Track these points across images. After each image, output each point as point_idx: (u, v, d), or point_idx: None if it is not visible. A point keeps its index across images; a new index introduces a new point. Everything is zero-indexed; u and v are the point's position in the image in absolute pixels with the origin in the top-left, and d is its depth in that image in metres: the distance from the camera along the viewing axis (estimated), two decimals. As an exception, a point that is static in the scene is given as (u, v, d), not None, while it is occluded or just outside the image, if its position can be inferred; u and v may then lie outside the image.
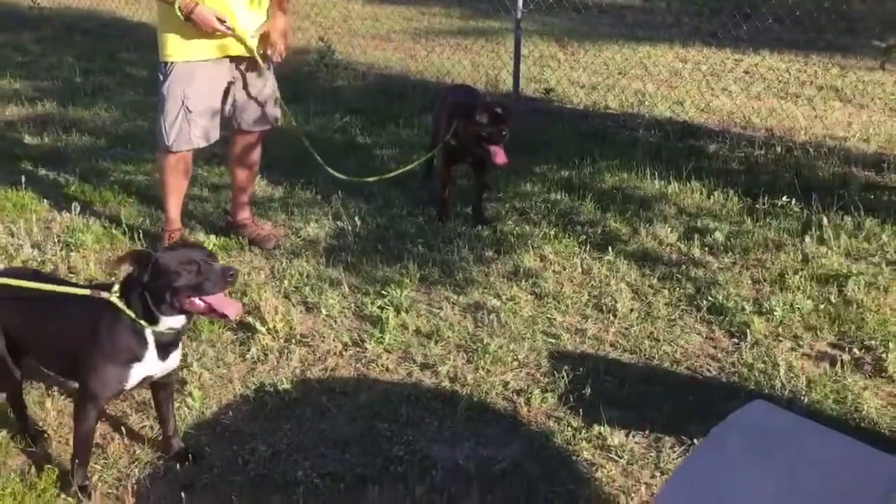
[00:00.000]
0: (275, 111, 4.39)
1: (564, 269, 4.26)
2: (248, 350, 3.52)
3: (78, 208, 4.71)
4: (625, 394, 3.27)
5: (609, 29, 10.39)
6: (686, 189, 5.28)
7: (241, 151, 4.42)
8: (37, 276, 2.92)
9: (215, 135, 4.25)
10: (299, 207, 4.95)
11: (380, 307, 3.82)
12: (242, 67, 4.18)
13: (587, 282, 4.15)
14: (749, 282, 4.13)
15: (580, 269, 4.25)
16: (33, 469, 2.77)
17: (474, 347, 3.55)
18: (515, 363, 3.47)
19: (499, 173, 5.45)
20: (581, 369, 3.38)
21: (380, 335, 3.60)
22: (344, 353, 3.54)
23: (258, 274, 4.16)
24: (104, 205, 4.93)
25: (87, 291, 2.59)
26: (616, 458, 2.89)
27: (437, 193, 4.93)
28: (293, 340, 3.59)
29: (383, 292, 3.93)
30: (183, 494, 2.63)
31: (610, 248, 4.40)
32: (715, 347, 3.61)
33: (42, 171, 5.42)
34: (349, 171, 5.48)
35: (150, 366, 2.58)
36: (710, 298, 3.92)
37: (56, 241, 4.39)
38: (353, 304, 3.89)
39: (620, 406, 3.19)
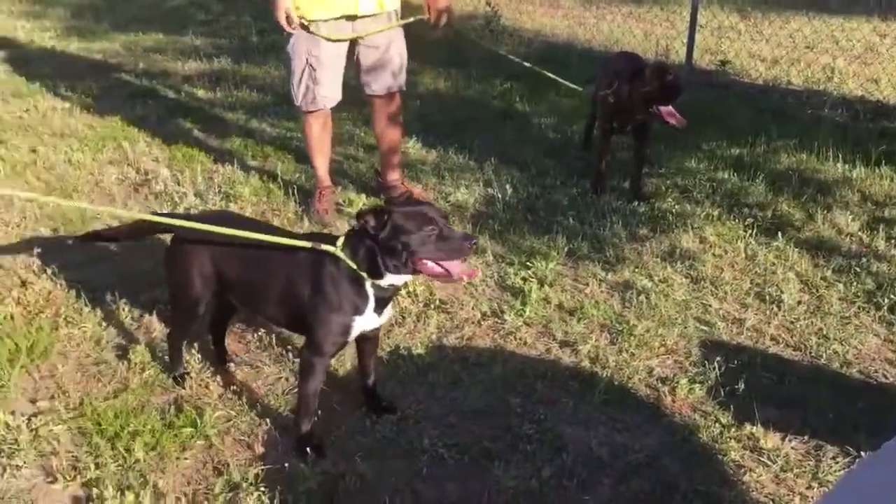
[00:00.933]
0: (400, 76, 4.29)
1: (726, 252, 3.94)
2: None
3: (239, 162, 4.85)
4: (784, 392, 2.97)
5: (798, -1, 9.62)
6: (874, 175, 4.77)
7: (378, 114, 4.37)
8: (252, 223, 2.92)
9: (339, 95, 4.22)
10: (451, 172, 4.86)
11: (523, 279, 3.68)
12: (363, 26, 4.11)
13: (750, 268, 3.82)
14: (941, 282, 3.67)
15: (744, 255, 3.92)
16: (173, 409, 2.84)
17: (619, 328, 3.34)
18: (663, 349, 3.23)
19: (662, 148, 5.15)
20: (735, 361, 3.11)
21: (521, 307, 3.46)
22: (482, 322, 3.42)
23: (404, 236, 4.10)
24: (265, 159, 5.05)
25: (308, 244, 2.53)
26: (768, 462, 2.62)
27: (593, 164, 4.69)
28: (432, 305, 3.51)
29: (528, 263, 3.78)
30: (309, 450, 2.61)
31: (780, 234, 4.03)
32: (895, 352, 3.22)
33: (211, 124, 5.62)
34: (507, 138, 5.38)
35: (369, 320, 2.55)
36: (893, 296, 3.51)
37: (217, 190, 4.53)
38: (496, 273, 3.77)
39: (778, 405, 2.89)
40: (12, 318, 3.32)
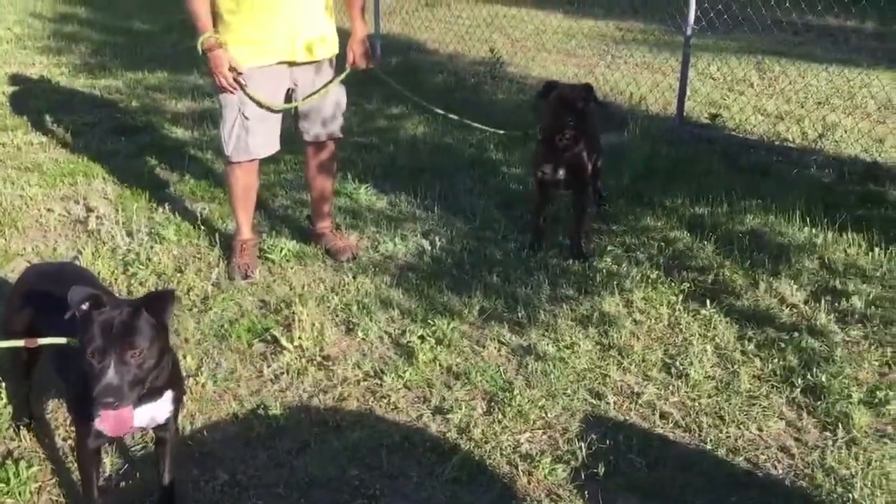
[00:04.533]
0: (332, 124, 4.16)
1: (648, 318, 3.69)
2: (269, 366, 3.33)
3: (183, 203, 4.81)
4: (652, 480, 2.70)
5: (822, 52, 9.28)
6: (841, 241, 4.44)
7: (310, 161, 4.26)
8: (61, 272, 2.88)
9: (275, 145, 4.08)
10: (393, 221, 4.71)
11: (420, 337, 3.50)
12: (302, 73, 4.00)
13: (668, 338, 3.56)
14: (874, 364, 3.35)
15: (665, 322, 3.66)
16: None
17: (501, 397, 3.12)
18: (540, 422, 3.00)
19: (622, 203, 4.92)
20: (609, 441, 2.86)
21: (405, 369, 3.28)
22: (361, 382, 3.25)
23: (317, 286, 3.97)
24: (211, 201, 4.99)
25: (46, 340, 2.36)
26: (605, 559, 2.38)
27: (531, 218, 4.49)
28: (314, 362, 3.35)
29: (429, 322, 3.60)
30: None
31: (710, 302, 3.76)
32: (796, 439, 2.93)
33: (176, 163, 5.59)
34: (464, 186, 5.22)
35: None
36: (812, 377, 3.21)
37: (147, 232, 4.46)
38: (395, 331, 3.59)
39: (642, 494, 2.64)
40: None
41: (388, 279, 4.04)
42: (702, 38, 8.44)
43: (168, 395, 2.32)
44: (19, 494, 2.58)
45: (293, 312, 3.65)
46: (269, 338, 3.52)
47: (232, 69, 3.75)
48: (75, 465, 2.72)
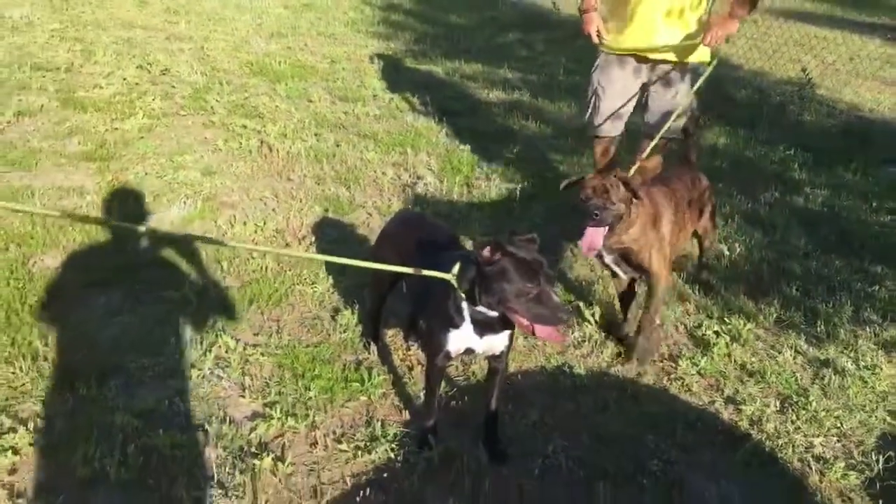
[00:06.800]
0: (678, 123, 4.35)
1: (961, 356, 3.57)
2: (572, 333, 3.66)
3: (496, 179, 5.31)
4: (953, 506, 2.69)
5: None
6: None
7: (648, 155, 4.45)
8: (422, 221, 3.37)
9: (619, 128, 4.45)
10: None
11: (715, 332, 3.66)
12: (658, 72, 4.27)
13: (985, 378, 3.43)
14: None
15: (983, 362, 3.53)
16: (353, 366, 3.31)
17: (795, 400, 3.22)
18: (835, 430, 3.07)
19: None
20: (909, 461, 2.87)
21: (700, 358, 3.47)
22: (657, 363, 3.48)
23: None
24: (518, 181, 5.43)
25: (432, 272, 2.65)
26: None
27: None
28: (612, 337, 3.64)
29: (726, 320, 3.75)
30: (429, 437, 2.89)
31: None
32: None
33: (487, 145, 6.13)
34: (765, 200, 5.24)
35: (466, 338, 2.66)
36: None
37: (466, 202, 4.99)
38: (691, 322, 3.79)
39: (940, 517, 2.65)
40: (266, 269, 4.02)
41: (684, 274, 4.22)
42: None
43: (506, 332, 2.70)
44: (370, 396, 3.12)
45: (593, 290, 3.96)
46: (570, 309, 3.84)
47: (598, 34, 4.28)
48: (412, 381, 3.23)
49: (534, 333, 2.47)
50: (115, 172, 5.13)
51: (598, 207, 3.13)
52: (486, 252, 2.46)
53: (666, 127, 4.02)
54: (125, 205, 4.70)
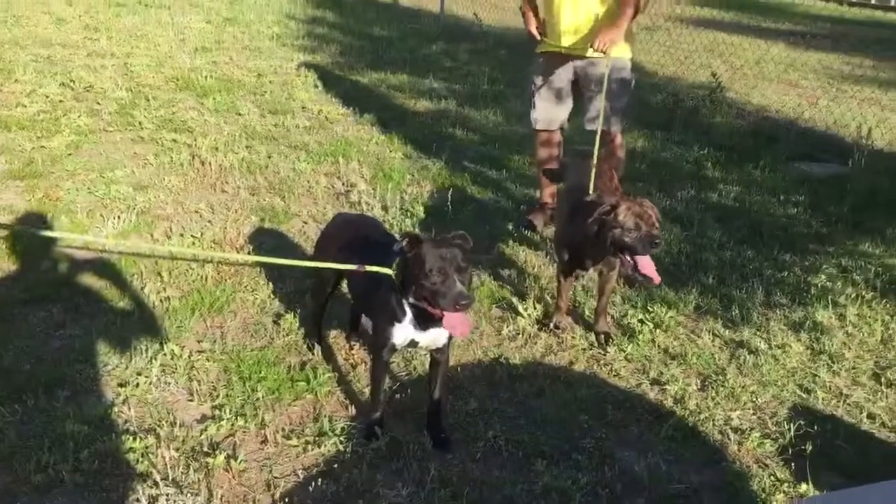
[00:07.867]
0: (615, 115, 4.65)
1: (860, 333, 3.88)
2: (507, 327, 3.84)
3: (427, 184, 5.47)
4: (859, 466, 2.96)
5: None
6: None
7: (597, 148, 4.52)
8: (361, 221, 3.53)
9: (556, 123, 4.87)
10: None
11: (640, 320, 3.89)
12: (589, 68, 4.61)
13: (880, 352, 3.75)
14: None
15: (878, 338, 3.84)
16: (297, 367, 3.42)
17: (714, 379, 3.47)
18: (750, 404, 3.33)
19: (838, 226, 5.07)
20: (817, 427, 3.13)
21: (626, 344, 3.69)
22: (587, 351, 3.69)
23: (547, 267, 4.45)
24: (448, 186, 5.61)
25: (374, 268, 2.83)
26: (807, 521, 2.68)
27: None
28: (545, 329, 3.84)
29: (649, 308, 3.99)
30: (376, 428, 3.05)
31: (927, 324, 3.90)
32: None
33: (417, 153, 6.30)
34: (681, 197, 5.54)
35: (407, 332, 2.81)
36: None
37: (399, 208, 5.15)
38: (617, 312, 4.01)
39: (846, 475, 2.91)
40: (206, 279, 4.10)
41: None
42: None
43: None
44: (317, 394, 3.24)
45: (527, 287, 4.16)
46: (504, 305, 4.04)
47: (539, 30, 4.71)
48: (357, 378, 3.36)
49: (441, 321, 2.66)
50: (46, 189, 5.12)
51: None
52: (405, 244, 2.67)
53: (601, 119, 4.25)
54: (58, 221, 4.70)
